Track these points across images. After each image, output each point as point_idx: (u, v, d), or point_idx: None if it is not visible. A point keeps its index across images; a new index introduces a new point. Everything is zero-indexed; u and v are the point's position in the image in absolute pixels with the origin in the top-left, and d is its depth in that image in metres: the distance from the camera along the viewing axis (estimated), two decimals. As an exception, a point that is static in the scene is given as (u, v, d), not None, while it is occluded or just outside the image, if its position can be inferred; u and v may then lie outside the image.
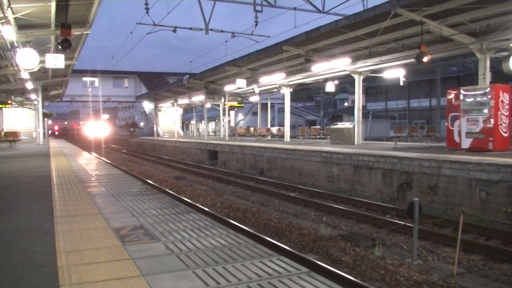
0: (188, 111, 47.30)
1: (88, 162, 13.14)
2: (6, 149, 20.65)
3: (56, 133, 72.12)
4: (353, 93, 35.84)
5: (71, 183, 7.99)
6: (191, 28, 16.04)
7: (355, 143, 17.09)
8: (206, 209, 9.65)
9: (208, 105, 32.05)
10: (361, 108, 17.54)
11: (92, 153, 23.34)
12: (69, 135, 77.88)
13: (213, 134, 45.75)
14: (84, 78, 45.47)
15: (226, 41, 20.47)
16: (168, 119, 43.45)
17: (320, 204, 10.51)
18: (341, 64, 16.18)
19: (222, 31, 16.25)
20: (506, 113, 11.37)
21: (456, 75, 39.67)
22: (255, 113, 39.43)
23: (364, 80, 18.50)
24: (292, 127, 29.42)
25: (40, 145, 24.48)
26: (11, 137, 24.56)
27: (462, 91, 12.01)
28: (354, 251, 6.63)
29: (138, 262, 3.33)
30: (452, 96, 12.38)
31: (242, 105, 34.22)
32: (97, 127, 46.27)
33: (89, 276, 3.04)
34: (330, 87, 21.26)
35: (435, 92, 38.19)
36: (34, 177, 9.04)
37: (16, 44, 11.41)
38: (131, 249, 3.68)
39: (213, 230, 4.34)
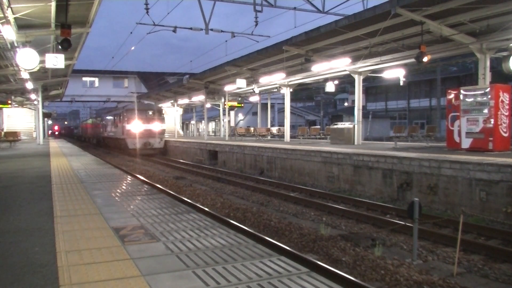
0: (188, 111, 47.27)
1: (88, 162, 13.14)
2: (6, 149, 20.65)
3: (56, 133, 71.52)
4: (353, 93, 35.88)
5: (71, 183, 7.99)
6: (191, 28, 16.05)
7: (355, 143, 17.09)
8: (206, 209, 9.65)
9: (208, 105, 32.04)
10: (361, 108, 17.53)
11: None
12: (73, 136, 69.65)
13: (213, 134, 45.76)
14: (84, 78, 45.46)
15: (226, 41, 20.50)
16: (168, 119, 43.39)
17: (320, 204, 10.50)
18: (341, 64, 16.18)
19: (222, 31, 16.25)
20: (506, 113, 11.37)
21: (456, 75, 39.71)
22: (255, 113, 39.44)
23: (364, 80, 18.50)
24: (292, 127, 29.43)
25: (40, 145, 24.49)
26: (11, 137, 24.58)
27: (462, 91, 12.01)
28: (354, 251, 6.62)
29: (138, 262, 3.33)
30: (452, 96, 12.38)
31: (242, 105, 34.23)
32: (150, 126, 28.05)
33: (89, 276, 3.04)
34: (330, 87, 21.25)
35: (435, 92, 38.21)
36: (34, 177, 9.04)
37: (16, 44, 11.42)
38: (131, 249, 3.68)
39: (213, 230, 4.34)
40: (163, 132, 29.04)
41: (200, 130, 47.19)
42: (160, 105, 40.30)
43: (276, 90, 25.20)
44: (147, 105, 31.88)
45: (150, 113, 28.83)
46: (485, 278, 5.72)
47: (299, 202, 11.03)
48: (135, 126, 27.21)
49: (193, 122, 47.49)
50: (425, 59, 12.30)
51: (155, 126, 28.21)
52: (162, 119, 29.36)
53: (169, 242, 3.88)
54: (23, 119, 34.61)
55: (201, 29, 15.38)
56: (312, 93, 57.37)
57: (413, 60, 13.31)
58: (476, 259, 6.33)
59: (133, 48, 22.63)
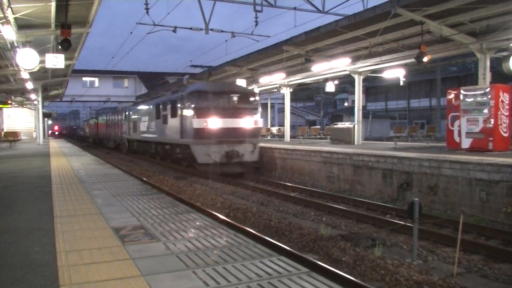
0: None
1: (88, 162, 13.14)
2: (6, 149, 20.66)
3: (56, 133, 71.56)
4: (353, 93, 35.85)
5: (71, 183, 7.99)
6: (191, 28, 16.05)
7: (355, 143, 17.09)
8: (206, 209, 9.65)
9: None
10: (361, 108, 17.54)
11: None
12: (74, 137, 67.20)
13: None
14: (84, 78, 45.50)
15: (226, 41, 20.45)
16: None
17: (320, 204, 10.50)
18: (341, 64, 16.18)
19: (222, 31, 16.25)
20: (506, 113, 11.37)
21: (456, 75, 39.70)
22: (255, 113, 39.35)
23: (364, 80, 18.51)
24: (292, 127, 29.43)
25: (40, 145, 24.49)
26: (11, 137, 24.59)
27: (462, 91, 12.02)
28: (354, 251, 6.62)
29: (138, 262, 3.33)
30: (452, 96, 12.39)
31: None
32: None
33: (89, 276, 3.04)
34: (330, 87, 21.26)
35: (435, 92, 38.21)
36: (34, 177, 9.04)
37: (16, 44, 11.42)
38: (131, 249, 3.68)
39: (213, 230, 4.34)
40: (257, 133, 16.78)
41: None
42: None
43: (276, 90, 25.20)
44: (230, 86, 18.88)
45: (235, 98, 16.12)
46: (485, 278, 5.72)
47: (299, 202, 11.03)
48: (211, 123, 15.38)
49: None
50: (425, 59, 12.30)
51: (246, 123, 16.03)
52: (255, 111, 16.63)
53: (169, 242, 3.88)
54: (23, 119, 34.62)
55: (201, 29, 15.38)
56: (312, 93, 57.32)
57: (413, 60, 13.31)
58: (476, 259, 6.32)
59: (132, 48, 22.60)
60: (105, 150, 34.72)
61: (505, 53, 12.32)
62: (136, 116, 24.74)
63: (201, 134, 15.38)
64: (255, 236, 7.00)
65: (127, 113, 27.46)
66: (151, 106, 21.48)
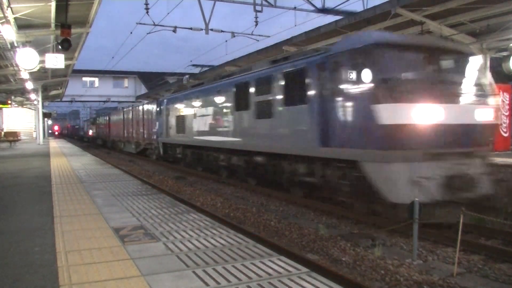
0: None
1: (88, 162, 13.14)
2: (6, 149, 20.66)
3: (56, 133, 71.41)
4: (353, 93, 35.78)
5: (71, 183, 7.99)
6: (191, 28, 16.07)
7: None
8: (206, 209, 9.64)
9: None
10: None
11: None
12: (74, 137, 67.33)
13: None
14: (84, 78, 45.52)
15: (226, 41, 20.44)
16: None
17: (320, 204, 10.48)
18: (341, 64, 16.14)
19: (222, 31, 16.28)
20: (506, 113, 11.38)
21: (456, 75, 39.70)
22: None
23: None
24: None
25: (40, 145, 24.50)
26: (11, 137, 24.62)
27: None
28: (354, 251, 6.62)
29: (138, 262, 3.33)
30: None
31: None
32: None
33: (89, 276, 3.04)
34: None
35: (435, 92, 38.19)
36: (34, 177, 9.05)
37: (16, 44, 11.44)
38: (131, 249, 3.68)
39: (213, 230, 4.34)
40: (492, 136, 7.87)
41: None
42: None
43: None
44: (438, 40, 9.80)
45: (455, 64, 7.90)
46: (485, 278, 5.71)
47: (299, 202, 11.01)
48: (421, 114, 6.77)
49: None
50: (425, 59, 12.29)
51: (481, 115, 7.46)
52: (488, 89, 7.90)
53: (169, 242, 3.88)
54: (23, 119, 34.67)
55: (201, 29, 15.40)
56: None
57: (413, 60, 13.30)
58: (476, 259, 6.32)
59: (132, 48, 22.61)
60: (105, 150, 34.58)
61: (505, 53, 12.34)
62: (183, 110, 17.18)
63: (397, 138, 7.14)
64: (255, 236, 7.00)
65: (163, 106, 19.91)
66: (222, 91, 13.30)
